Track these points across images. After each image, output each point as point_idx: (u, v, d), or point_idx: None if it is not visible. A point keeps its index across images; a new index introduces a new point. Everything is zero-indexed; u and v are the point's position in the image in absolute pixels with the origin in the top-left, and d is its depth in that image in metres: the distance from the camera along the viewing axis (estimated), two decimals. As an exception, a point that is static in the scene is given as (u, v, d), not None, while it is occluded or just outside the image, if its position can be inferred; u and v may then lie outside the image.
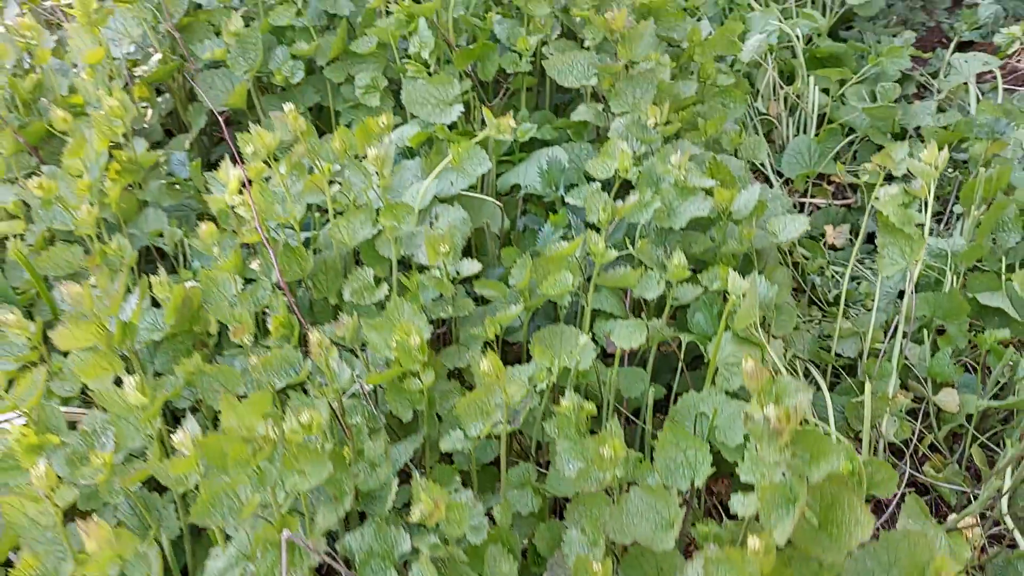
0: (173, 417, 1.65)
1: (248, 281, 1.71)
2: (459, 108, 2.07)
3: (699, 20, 3.05)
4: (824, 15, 3.20)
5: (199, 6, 2.42)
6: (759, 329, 1.61)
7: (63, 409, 1.57)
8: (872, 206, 1.94)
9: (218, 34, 2.40)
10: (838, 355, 2.05)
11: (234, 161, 1.82)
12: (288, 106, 1.64)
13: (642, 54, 2.01)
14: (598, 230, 1.64)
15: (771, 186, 2.73)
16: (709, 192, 1.78)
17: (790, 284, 1.86)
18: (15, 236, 1.86)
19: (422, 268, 1.75)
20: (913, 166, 1.81)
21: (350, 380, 1.38)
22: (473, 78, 2.25)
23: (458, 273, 1.64)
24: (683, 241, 1.83)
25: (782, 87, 2.87)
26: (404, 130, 2.09)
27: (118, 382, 1.36)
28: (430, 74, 2.11)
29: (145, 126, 2.27)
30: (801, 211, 2.77)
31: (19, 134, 2.09)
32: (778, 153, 2.86)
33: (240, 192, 1.72)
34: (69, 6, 2.63)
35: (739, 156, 2.34)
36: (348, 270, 1.81)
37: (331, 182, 1.75)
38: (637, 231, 1.81)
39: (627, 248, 1.77)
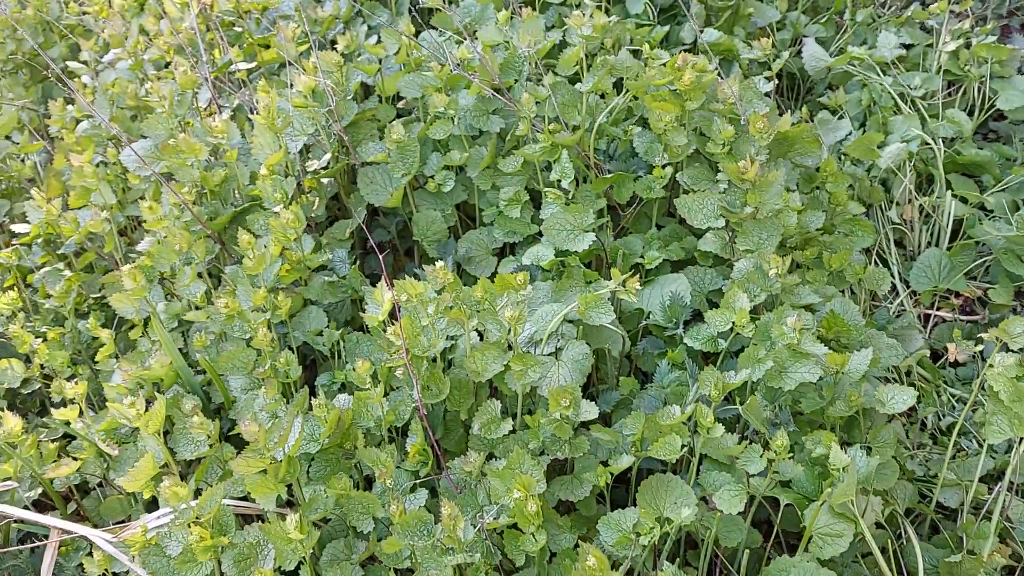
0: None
1: (390, 389, 1.96)
2: (591, 237, 2.23)
3: (840, 118, 3.06)
4: (971, 116, 3.14)
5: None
6: (856, 500, 1.71)
7: (233, 503, 1.86)
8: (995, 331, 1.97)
9: (381, 132, 2.64)
10: (939, 505, 2.11)
11: (389, 283, 2.06)
12: (439, 264, 1.85)
13: (771, 203, 2.11)
14: (708, 402, 1.77)
15: (898, 295, 2.75)
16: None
17: (895, 444, 1.93)
18: (201, 331, 2.17)
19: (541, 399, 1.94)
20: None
21: (472, 541, 1.59)
22: (608, 196, 2.40)
23: (577, 417, 1.82)
24: (792, 395, 1.93)
25: (917, 198, 2.86)
26: (539, 250, 2.27)
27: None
28: (567, 202, 2.27)
29: (313, 215, 2.54)
30: (925, 324, 2.78)
31: (207, 225, 2.41)
32: (908, 261, 2.87)
33: (391, 317, 1.96)
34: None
35: (861, 287, 2.39)
36: (479, 392, 2.02)
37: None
38: (748, 386, 1.93)
39: (736, 401, 1.89)
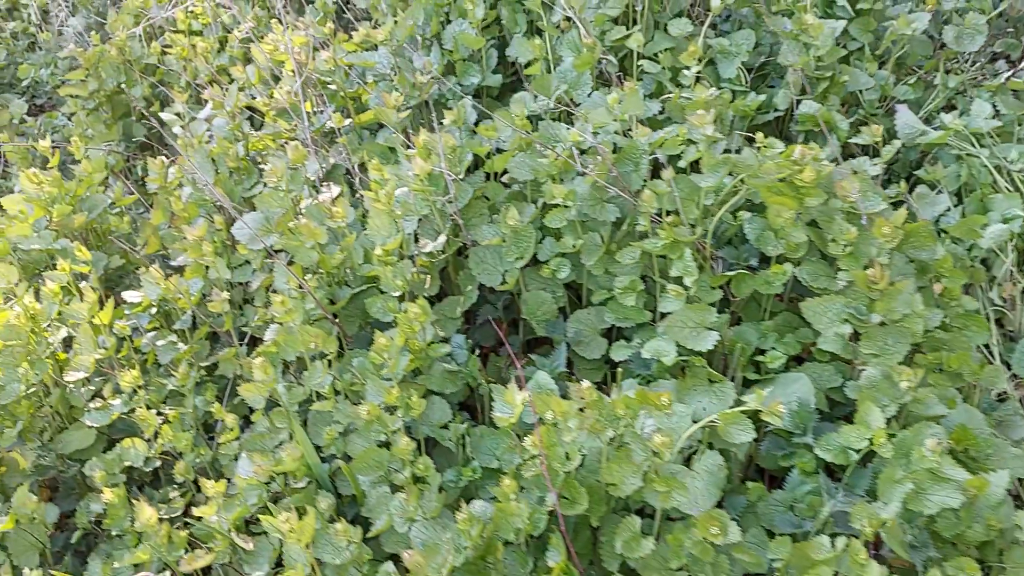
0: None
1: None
2: (715, 336, 2.25)
3: (938, 193, 3.06)
4: (1074, 191, 3.12)
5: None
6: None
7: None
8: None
9: (491, 210, 2.66)
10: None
11: (519, 384, 2.09)
12: (585, 383, 1.88)
13: (900, 312, 2.12)
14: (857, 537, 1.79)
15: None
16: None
17: (1027, 564, 1.95)
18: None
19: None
20: None
21: None
22: (728, 294, 2.42)
23: (724, 542, 1.84)
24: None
25: (1019, 280, 2.86)
26: (660, 346, 2.29)
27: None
28: (689, 299, 2.29)
29: (425, 294, 2.57)
30: (1024, 407, 2.79)
31: (326, 309, 2.44)
32: (1009, 342, 2.87)
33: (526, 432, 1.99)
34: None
35: (979, 386, 2.40)
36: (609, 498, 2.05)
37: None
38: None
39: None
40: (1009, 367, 2.82)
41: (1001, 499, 1.92)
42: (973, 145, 3.12)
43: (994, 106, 3.27)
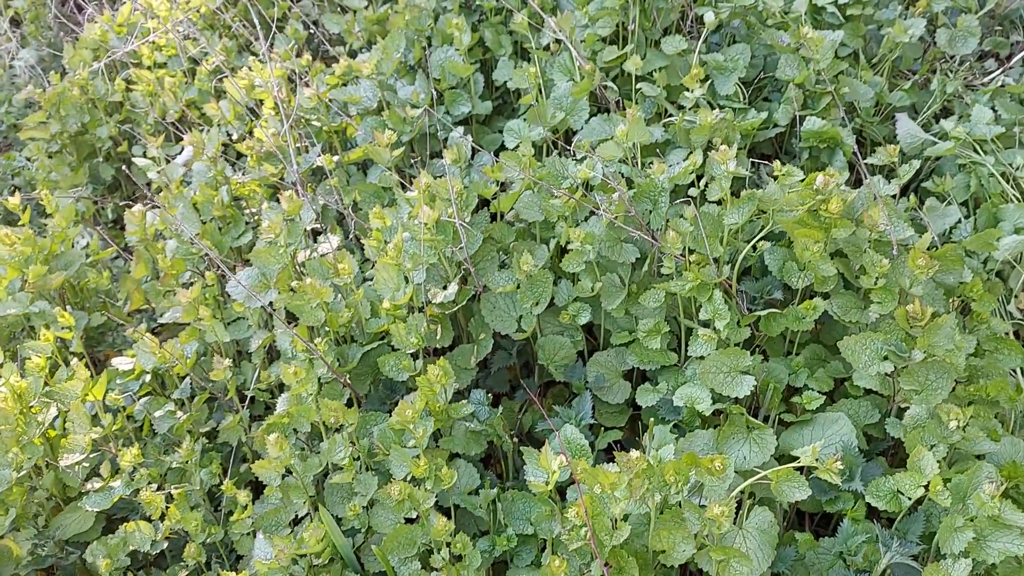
0: None
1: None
2: (751, 381, 2.16)
3: (947, 204, 3.01)
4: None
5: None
6: None
7: None
8: None
9: (500, 253, 2.54)
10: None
11: (551, 445, 1.98)
12: (634, 453, 1.77)
13: (942, 348, 2.05)
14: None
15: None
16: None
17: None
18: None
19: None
20: None
21: None
22: (752, 328, 2.33)
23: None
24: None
25: (1036, 291, 2.82)
26: (693, 392, 2.19)
27: None
28: (720, 343, 2.20)
29: (436, 345, 2.44)
30: (1048, 419, 2.75)
31: (337, 373, 2.31)
32: (1028, 355, 2.83)
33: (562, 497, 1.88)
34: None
35: (1013, 410, 2.35)
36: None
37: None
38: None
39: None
40: (1030, 380, 2.78)
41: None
42: (977, 152, 3.08)
43: (993, 109, 3.23)
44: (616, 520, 1.84)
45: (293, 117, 2.94)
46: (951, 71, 3.70)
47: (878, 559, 1.91)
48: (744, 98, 3.19)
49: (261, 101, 3.23)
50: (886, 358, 2.11)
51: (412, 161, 3.11)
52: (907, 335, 2.11)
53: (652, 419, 2.26)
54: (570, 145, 2.92)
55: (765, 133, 3.11)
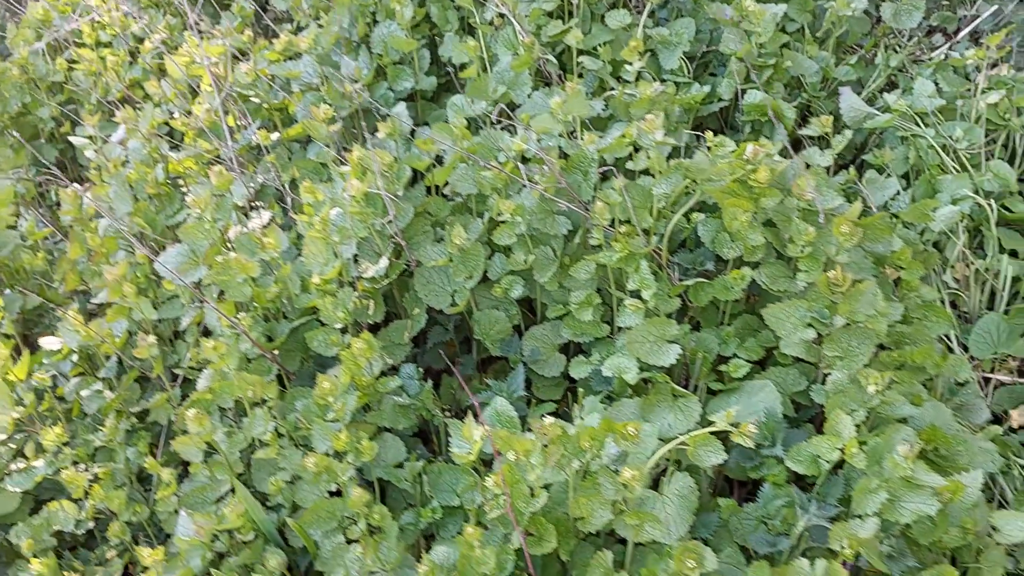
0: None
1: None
2: (677, 350, 2.15)
3: (887, 177, 3.01)
4: (1013, 165, 3.10)
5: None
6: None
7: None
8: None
9: (434, 227, 2.52)
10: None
11: (475, 415, 1.97)
12: (548, 419, 1.76)
13: (863, 313, 2.05)
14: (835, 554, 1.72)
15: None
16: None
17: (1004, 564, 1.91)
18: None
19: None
20: None
21: None
22: (684, 299, 2.33)
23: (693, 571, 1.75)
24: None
25: (972, 262, 2.83)
26: (620, 363, 2.18)
27: None
28: (648, 312, 2.19)
29: (369, 320, 2.42)
30: (984, 389, 2.77)
31: (264, 348, 2.28)
32: (964, 324, 2.85)
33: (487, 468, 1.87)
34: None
35: (940, 376, 2.36)
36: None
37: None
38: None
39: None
40: (966, 349, 2.80)
41: (975, 501, 1.87)
42: (918, 125, 3.08)
43: (936, 83, 3.23)
44: (534, 488, 1.83)
45: (227, 92, 2.90)
46: (899, 46, 3.70)
47: (795, 522, 1.92)
48: (689, 72, 3.18)
49: (201, 76, 3.19)
50: (809, 325, 2.11)
51: (353, 136, 3.08)
52: (831, 302, 2.10)
53: (582, 390, 2.25)
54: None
55: (709, 108, 3.10)
